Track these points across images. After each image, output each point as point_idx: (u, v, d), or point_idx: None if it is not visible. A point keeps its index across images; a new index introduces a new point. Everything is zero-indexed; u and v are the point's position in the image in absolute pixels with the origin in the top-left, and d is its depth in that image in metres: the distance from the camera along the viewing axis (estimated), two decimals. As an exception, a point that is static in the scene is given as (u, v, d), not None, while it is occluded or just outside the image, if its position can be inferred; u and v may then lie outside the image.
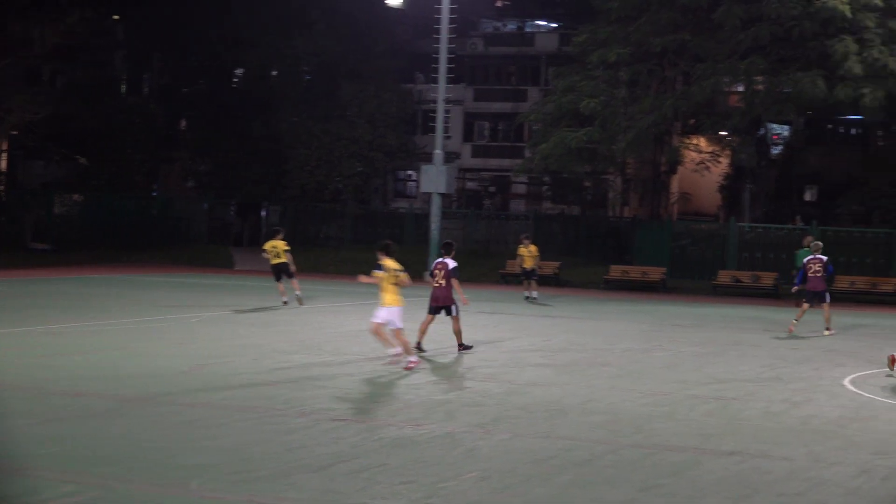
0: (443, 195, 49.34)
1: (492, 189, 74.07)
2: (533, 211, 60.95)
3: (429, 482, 11.62)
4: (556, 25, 76.18)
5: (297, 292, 32.90)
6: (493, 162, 72.66)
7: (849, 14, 43.47)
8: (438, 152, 48.19)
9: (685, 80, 50.89)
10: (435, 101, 49.43)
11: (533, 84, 72.62)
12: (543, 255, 51.40)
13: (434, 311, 22.73)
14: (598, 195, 66.89)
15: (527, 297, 38.41)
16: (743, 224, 52.20)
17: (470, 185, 74.22)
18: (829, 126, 67.95)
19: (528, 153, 58.05)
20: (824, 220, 51.82)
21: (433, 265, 23.12)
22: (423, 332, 22.79)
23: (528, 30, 77.63)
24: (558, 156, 48.64)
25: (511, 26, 78.64)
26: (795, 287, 30.51)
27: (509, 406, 16.44)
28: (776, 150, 67.48)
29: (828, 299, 29.58)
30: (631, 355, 23.33)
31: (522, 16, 78.13)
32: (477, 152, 73.75)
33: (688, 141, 60.85)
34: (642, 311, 35.69)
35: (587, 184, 64.73)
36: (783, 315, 35.45)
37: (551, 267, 48.28)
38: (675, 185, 67.14)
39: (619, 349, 24.43)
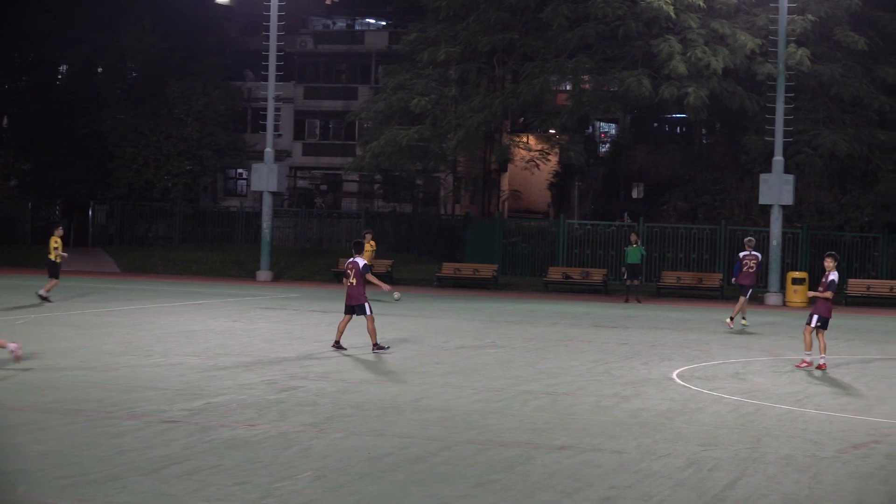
0: (274, 194, 49.04)
1: (323, 187, 73.87)
2: (365, 209, 60.93)
3: (263, 482, 11.51)
4: (385, 24, 76.34)
5: (43, 292, 32.43)
6: (325, 160, 72.48)
7: (672, 15, 44.36)
8: (269, 150, 47.87)
9: (514, 79, 51.36)
10: (265, 99, 49.12)
11: (364, 82, 72.64)
12: (375, 253, 51.51)
13: (349, 310, 22.93)
14: (429, 193, 67.20)
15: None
16: (572, 221, 52.92)
17: (301, 183, 73.92)
18: (655, 124, 69.35)
19: (359, 151, 58.00)
20: (651, 216, 52.80)
21: (346, 264, 23.28)
22: (340, 331, 23.10)
23: (357, 28, 77.65)
24: (389, 154, 48.66)
25: (341, 24, 78.56)
26: (734, 279, 31.77)
27: (343, 404, 16.38)
28: (604, 148, 68.66)
29: (748, 294, 30.76)
30: (464, 352, 23.45)
31: (352, 14, 78.10)
32: (308, 150, 73.48)
33: (517, 139, 61.54)
34: (474, 308, 35.92)
35: (419, 182, 64.95)
36: (613, 310, 36.06)
37: (384, 265, 48.30)
38: (505, 182, 67.86)
39: (452, 346, 24.54)
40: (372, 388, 18.02)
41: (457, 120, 48.62)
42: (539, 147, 62.51)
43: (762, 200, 44.30)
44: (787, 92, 43.65)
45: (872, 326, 34.26)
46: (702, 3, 44.99)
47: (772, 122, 43.72)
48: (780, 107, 43.50)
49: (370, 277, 22.84)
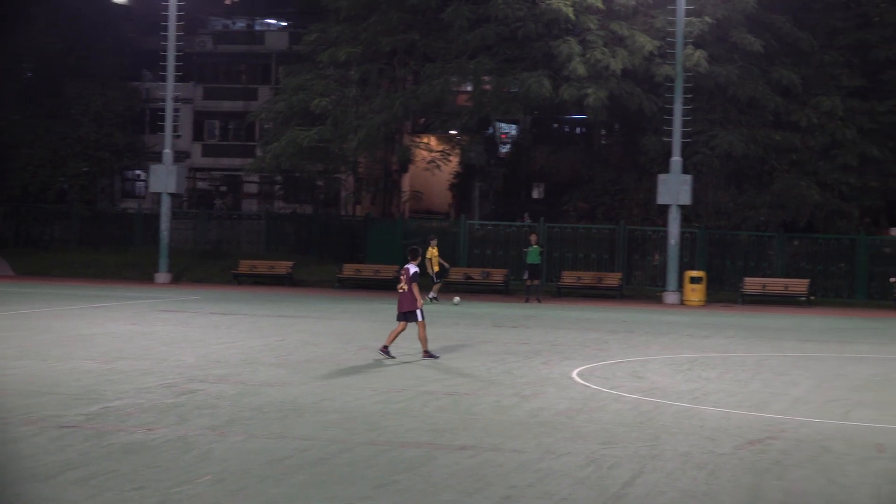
0: (173, 195, 48.61)
1: (223, 188, 73.34)
2: (265, 210, 60.60)
3: (162, 487, 11.38)
4: (286, 24, 75.96)
5: None
6: (225, 161, 71.98)
7: (572, 16, 44.67)
8: (168, 151, 47.45)
9: (415, 80, 51.39)
10: (163, 100, 48.65)
11: (264, 83, 72.26)
12: (275, 255, 51.28)
13: (402, 317, 22.54)
14: (330, 194, 67.00)
15: (433, 298, 38.47)
16: (473, 221, 53.03)
17: (201, 184, 73.33)
18: (556, 125, 69.72)
19: (259, 152, 57.66)
20: (551, 216, 53.08)
21: (401, 271, 23.01)
22: (394, 337, 22.70)
23: (257, 28, 77.18)
24: (290, 155, 48.46)
25: (240, 24, 78.04)
26: None
27: (243, 407, 16.27)
28: (504, 149, 68.86)
29: None
30: (365, 353, 23.39)
31: (252, 14, 77.62)
32: (208, 151, 72.92)
33: (418, 140, 61.57)
34: (375, 310, 35.84)
35: (320, 183, 64.72)
36: (513, 310, 36.19)
37: (284, 266, 48.13)
38: (406, 183, 67.74)
39: (354, 348, 24.47)
40: (272, 391, 17.92)
41: (357, 121, 48.54)
42: (440, 148, 62.56)
43: (660, 200, 44.76)
44: (684, 93, 44.14)
45: (768, 324, 34.76)
46: (601, 5, 45.35)
47: (670, 122, 44.19)
48: (678, 107, 43.98)
49: (414, 287, 22.40)
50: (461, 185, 66.85)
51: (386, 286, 46.50)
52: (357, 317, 33.03)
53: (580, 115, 54.86)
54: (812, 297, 44.82)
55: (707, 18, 44.56)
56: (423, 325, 22.53)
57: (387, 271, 47.39)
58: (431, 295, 38.07)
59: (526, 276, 42.17)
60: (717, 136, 46.11)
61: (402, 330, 22.64)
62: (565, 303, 42.54)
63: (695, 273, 44.06)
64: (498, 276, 46.90)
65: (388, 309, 36.12)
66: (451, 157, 63.49)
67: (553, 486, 11.91)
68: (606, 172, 54.89)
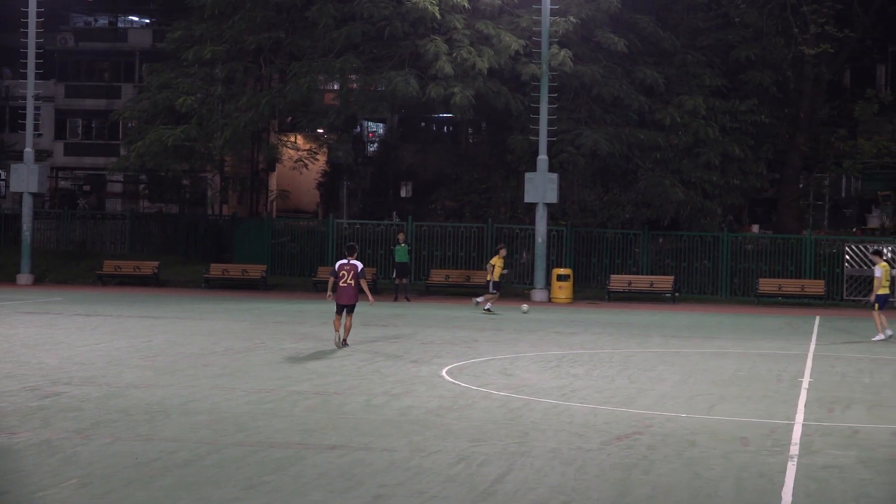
0: (34, 195, 47.72)
1: (86, 188, 72.15)
2: (130, 210, 59.76)
3: (26, 492, 11.17)
4: (149, 21, 74.99)
5: None
6: (88, 160, 70.85)
7: (438, 15, 44.75)
8: (28, 150, 46.58)
9: (282, 78, 51.03)
10: (24, 98, 47.70)
11: (127, 80, 71.26)
12: (140, 255, 50.56)
13: (341, 309, 24.61)
14: (196, 193, 66.26)
15: (488, 309, 36.76)
16: (341, 220, 52.88)
17: (63, 183, 72.10)
18: (423, 124, 69.88)
19: (123, 151, 56.77)
20: (419, 215, 53.15)
21: (338, 266, 25.02)
22: (337, 328, 24.76)
23: (121, 25, 76.04)
24: (155, 154, 47.75)
25: (103, 21, 76.82)
26: None
27: (109, 409, 16.02)
28: (372, 148, 68.83)
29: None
30: (233, 354, 23.22)
31: (115, 11, 76.45)
32: (70, 150, 71.71)
33: (285, 139, 61.18)
34: (243, 310, 35.59)
35: (185, 182, 63.97)
36: (382, 309, 36.14)
37: (149, 266, 47.50)
38: (273, 182, 67.42)
39: (221, 348, 24.26)
40: (139, 393, 17.68)
41: (223, 119, 48.05)
42: (307, 146, 62.26)
43: (527, 199, 45.10)
44: (550, 92, 44.52)
45: (634, 321, 35.22)
46: (466, 4, 45.52)
47: (536, 121, 44.53)
48: (544, 106, 44.33)
49: (364, 284, 24.64)
50: (329, 183, 66.65)
51: (254, 286, 46.20)
52: (225, 317, 32.74)
53: (447, 113, 54.95)
54: (677, 294, 45.50)
55: (572, 18, 44.98)
56: (350, 318, 24.70)
57: (254, 271, 47.04)
58: (487, 306, 36.57)
59: (394, 275, 42.20)
60: (582, 135, 46.54)
61: (340, 319, 24.64)
62: (434, 301, 42.64)
63: (562, 271, 44.46)
64: (366, 274, 46.73)
65: (256, 309, 35.96)
66: (318, 156, 63.27)
67: (424, 484, 11.93)
68: (474, 171, 55.11)
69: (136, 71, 70.53)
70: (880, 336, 29.73)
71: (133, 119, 53.14)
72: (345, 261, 24.98)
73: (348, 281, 24.58)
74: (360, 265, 24.90)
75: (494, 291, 36.90)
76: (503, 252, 37.55)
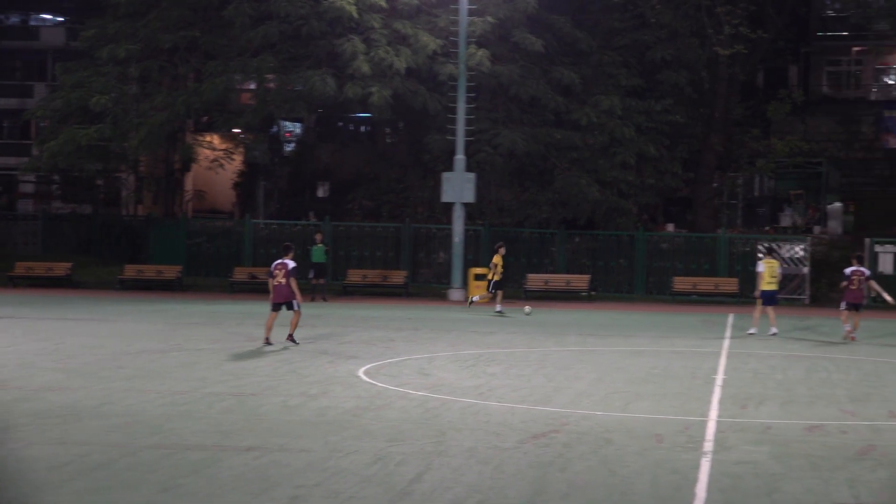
0: (-56, 195, 47.00)
1: (-3, 188, 71.18)
2: (42, 210, 59.00)
3: (-68, 499, 10.97)
4: (62, 19, 74.04)
5: None
6: (-1, 160, 69.86)
7: (355, 15, 44.67)
8: (-62, 150, 45.86)
9: (197, 78, 50.67)
10: (-67, 96, 46.95)
11: (40, 79, 70.33)
12: (53, 256, 49.93)
13: (277, 307, 25.37)
14: (111, 193, 65.61)
15: (499, 311, 36.72)
16: (258, 220, 52.62)
17: (-26, 184, 71.01)
18: (341, 123, 69.65)
19: (35, 151, 56.03)
20: (337, 215, 53.02)
21: (273, 265, 25.72)
22: (269, 327, 25.34)
23: (33, 23, 74.99)
24: (68, 153, 47.20)
25: (14, 19, 75.71)
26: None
27: (20, 413, 15.79)
28: (289, 148, 68.48)
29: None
30: (147, 356, 22.98)
31: (27, 8, 75.37)
32: (-19, 150, 70.66)
33: (201, 138, 60.77)
34: (158, 311, 35.28)
35: (99, 182, 63.32)
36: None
37: (62, 268, 46.94)
38: (189, 182, 66.93)
39: (136, 350, 24.01)
40: (51, 396, 17.44)
41: (138, 119, 47.58)
42: (223, 146, 61.85)
43: (445, 198, 45.18)
44: (468, 92, 44.61)
45: (551, 319, 35.35)
46: (384, 4, 45.48)
47: (453, 121, 44.59)
48: (462, 106, 44.42)
49: (293, 283, 25.34)
50: (245, 183, 66.24)
51: (169, 287, 45.80)
52: (139, 318, 32.41)
53: (365, 113, 54.86)
54: (593, 293, 45.77)
55: (489, 18, 45.10)
56: (298, 314, 25.43)
57: (170, 272, 46.64)
58: (498, 308, 36.59)
59: (311, 275, 42.05)
60: (499, 135, 46.69)
61: (275, 319, 25.39)
62: (351, 301, 42.54)
63: (479, 270, 44.51)
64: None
65: (171, 310, 35.66)
66: (234, 156, 62.88)
67: (340, 485, 11.89)
68: (391, 171, 55.10)
69: (48, 70, 69.60)
70: (753, 330, 30.62)
71: (46, 118, 52.50)
72: (280, 260, 25.66)
73: (280, 280, 25.35)
74: (291, 264, 25.54)
75: (492, 291, 37.08)
76: (503, 251, 37.56)
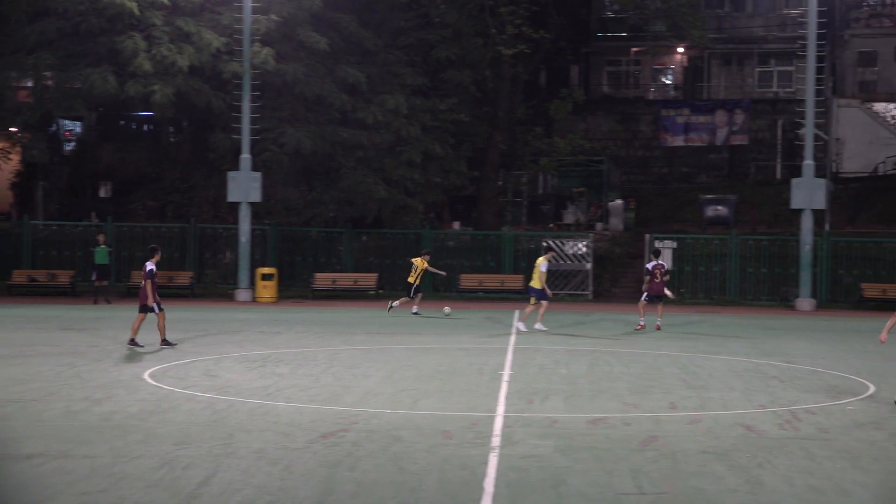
0: None
1: None
2: None
3: None
4: None
5: None
6: None
7: (136, 11, 43.87)
8: None
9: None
10: None
11: None
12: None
13: (142, 309, 25.42)
14: None
15: (415, 313, 36.59)
16: (37, 222, 51.29)
17: None
18: (123, 122, 68.33)
19: None
20: (120, 215, 52.01)
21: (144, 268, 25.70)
22: (135, 328, 25.45)
23: None
24: None
25: None
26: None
27: None
28: (69, 146, 66.88)
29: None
30: (-78, 362, 22.19)
31: None
32: None
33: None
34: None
35: None
36: (81, 312, 35.26)
37: None
38: (-38, 183, 64.76)
39: None
40: None
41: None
42: (0, 146, 60.10)
43: (231, 198, 44.83)
44: (252, 90, 44.34)
45: (338, 318, 35.39)
46: (166, 1, 44.81)
47: (239, 120, 44.27)
48: (247, 105, 44.13)
49: (148, 286, 25.31)
50: (23, 183, 64.43)
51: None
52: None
53: (148, 112, 53.91)
54: (381, 291, 45.97)
55: (274, 17, 44.87)
56: (162, 316, 25.50)
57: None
58: (414, 309, 36.71)
59: (94, 277, 41.20)
60: (285, 134, 46.47)
61: (142, 321, 25.54)
62: (135, 303, 41.71)
63: (266, 270, 44.33)
64: (64, 277, 45.51)
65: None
66: (11, 155, 61.08)
67: (126, 491, 11.70)
68: (175, 170, 54.35)
69: None
70: (521, 325, 31.42)
71: None
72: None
73: (141, 282, 25.71)
74: (147, 266, 25.57)
75: (412, 296, 36.81)
76: (428, 257, 37.47)
